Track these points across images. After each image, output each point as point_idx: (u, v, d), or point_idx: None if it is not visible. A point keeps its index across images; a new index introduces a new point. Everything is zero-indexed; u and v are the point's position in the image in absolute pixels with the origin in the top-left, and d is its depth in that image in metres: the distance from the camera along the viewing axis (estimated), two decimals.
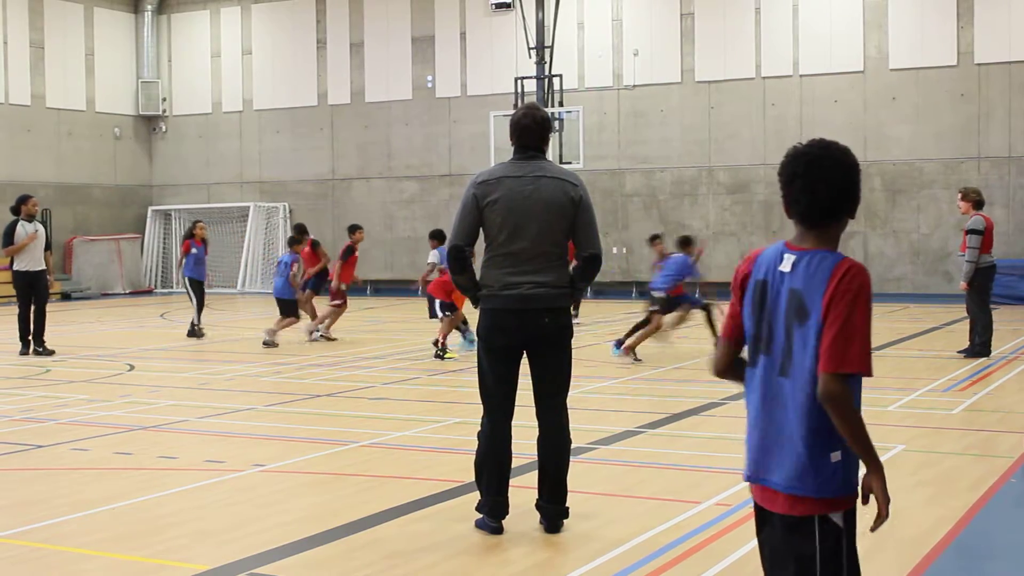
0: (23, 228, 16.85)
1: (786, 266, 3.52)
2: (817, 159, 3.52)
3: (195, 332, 19.17)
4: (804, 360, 3.44)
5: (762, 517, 3.64)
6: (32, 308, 16.74)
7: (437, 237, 16.61)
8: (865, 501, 3.47)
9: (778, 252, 3.59)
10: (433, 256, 16.64)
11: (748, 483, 3.66)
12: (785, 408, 3.50)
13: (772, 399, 3.53)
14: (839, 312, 3.36)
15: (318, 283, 18.83)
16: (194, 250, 19.40)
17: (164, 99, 35.35)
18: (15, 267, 16.80)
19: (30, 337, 16.75)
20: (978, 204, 14.89)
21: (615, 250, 29.17)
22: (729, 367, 3.76)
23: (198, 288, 19.30)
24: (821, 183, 3.50)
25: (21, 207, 17.07)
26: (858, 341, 3.36)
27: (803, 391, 3.45)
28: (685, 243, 15.68)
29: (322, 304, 18.59)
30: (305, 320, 18.67)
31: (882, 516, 3.42)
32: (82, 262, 32.97)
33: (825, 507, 3.46)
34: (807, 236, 3.56)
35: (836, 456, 3.45)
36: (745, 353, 3.70)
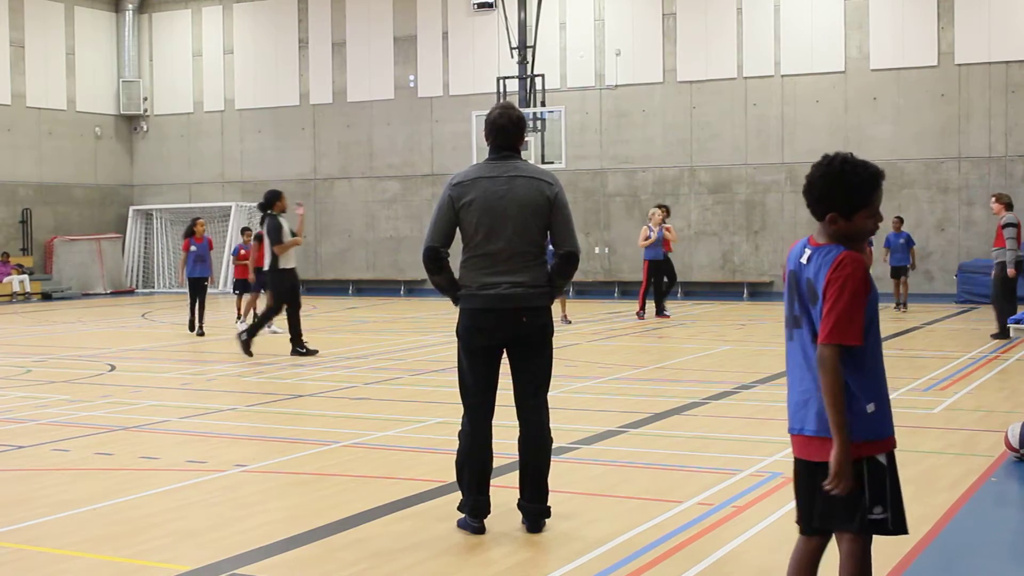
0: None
1: (804, 259, 4.27)
2: (813, 168, 4.28)
3: (194, 330, 19.55)
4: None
5: (809, 468, 4.24)
6: None
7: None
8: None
9: (802, 246, 4.33)
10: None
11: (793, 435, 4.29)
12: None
13: (811, 366, 4.19)
14: (830, 295, 4.11)
15: None
16: (193, 248, 19.87)
17: (145, 98, 35.23)
18: None
19: None
20: (1009, 206, 16.92)
21: (597, 250, 29.21)
22: None
23: (193, 287, 19.75)
24: (809, 186, 4.28)
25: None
26: (842, 318, 4.08)
27: None
28: (246, 232, 21.61)
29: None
30: None
31: (832, 481, 4.04)
32: (63, 262, 32.84)
33: (869, 449, 4.12)
34: (819, 230, 4.29)
35: (871, 407, 4.14)
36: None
